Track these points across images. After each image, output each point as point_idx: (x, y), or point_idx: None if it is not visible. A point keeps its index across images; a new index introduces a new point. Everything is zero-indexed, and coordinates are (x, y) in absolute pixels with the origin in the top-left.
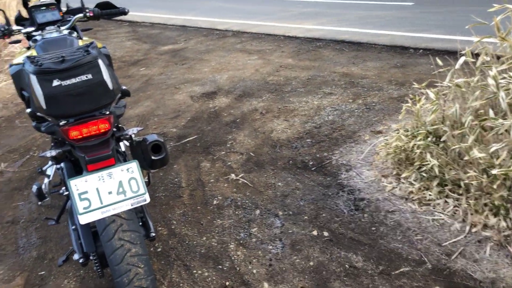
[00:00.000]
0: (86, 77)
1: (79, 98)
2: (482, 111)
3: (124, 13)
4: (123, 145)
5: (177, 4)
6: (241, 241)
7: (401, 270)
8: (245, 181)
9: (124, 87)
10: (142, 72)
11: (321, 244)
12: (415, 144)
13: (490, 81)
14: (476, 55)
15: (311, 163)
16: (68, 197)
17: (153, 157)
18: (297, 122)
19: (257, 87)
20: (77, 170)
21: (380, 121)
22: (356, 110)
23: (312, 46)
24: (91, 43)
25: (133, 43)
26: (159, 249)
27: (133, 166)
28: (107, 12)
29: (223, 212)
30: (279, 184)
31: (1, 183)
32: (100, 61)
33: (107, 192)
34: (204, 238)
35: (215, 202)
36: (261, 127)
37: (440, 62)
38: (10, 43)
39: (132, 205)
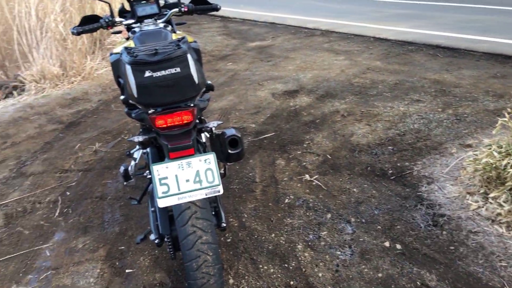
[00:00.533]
0: (175, 70)
1: (167, 89)
2: None
3: (216, 9)
4: (204, 136)
5: (269, 1)
6: (310, 243)
7: None
8: (319, 183)
9: (209, 82)
10: (229, 67)
11: (393, 257)
12: (509, 163)
13: None
14: None
15: (390, 171)
16: (151, 180)
17: (229, 151)
18: (379, 127)
19: (341, 88)
20: (160, 156)
21: (470, 134)
22: (445, 120)
23: (403, 49)
24: (183, 37)
25: (223, 38)
26: (229, 240)
27: (211, 158)
28: (200, 7)
29: (294, 212)
30: (354, 190)
31: (94, 161)
32: (189, 56)
33: (185, 180)
34: (273, 235)
35: (286, 200)
36: (341, 130)
37: None
38: (113, 33)
39: (206, 195)
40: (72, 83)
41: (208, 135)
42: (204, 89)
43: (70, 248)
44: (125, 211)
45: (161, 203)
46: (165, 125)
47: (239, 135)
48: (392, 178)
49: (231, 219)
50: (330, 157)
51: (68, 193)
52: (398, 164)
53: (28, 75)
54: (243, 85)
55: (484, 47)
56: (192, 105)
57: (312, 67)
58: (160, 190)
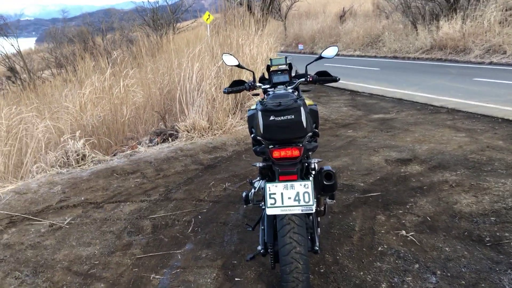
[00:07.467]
0: (291, 117)
1: (284, 129)
2: None
3: (335, 80)
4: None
5: (401, 79)
6: (393, 284)
7: None
8: (414, 239)
9: (316, 130)
10: (349, 133)
11: None
12: None
13: None
14: None
15: (487, 239)
16: (263, 211)
17: (325, 182)
18: (486, 200)
19: (455, 161)
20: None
21: None
22: None
23: None
24: (300, 97)
25: (348, 109)
26: (322, 270)
27: (309, 184)
28: (323, 78)
29: (384, 258)
30: (446, 249)
31: (223, 196)
32: (301, 108)
33: (287, 197)
34: (361, 273)
35: (380, 248)
36: (446, 198)
37: None
38: (253, 94)
39: (301, 211)
40: (215, 135)
41: (311, 169)
42: (310, 133)
43: (196, 256)
44: (241, 236)
45: (269, 211)
46: (279, 157)
47: (334, 171)
48: (488, 244)
49: (327, 255)
50: (429, 219)
51: (199, 217)
52: (498, 234)
53: (182, 125)
54: (359, 150)
55: None
56: (300, 144)
57: (430, 141)
58: (269, 202)
